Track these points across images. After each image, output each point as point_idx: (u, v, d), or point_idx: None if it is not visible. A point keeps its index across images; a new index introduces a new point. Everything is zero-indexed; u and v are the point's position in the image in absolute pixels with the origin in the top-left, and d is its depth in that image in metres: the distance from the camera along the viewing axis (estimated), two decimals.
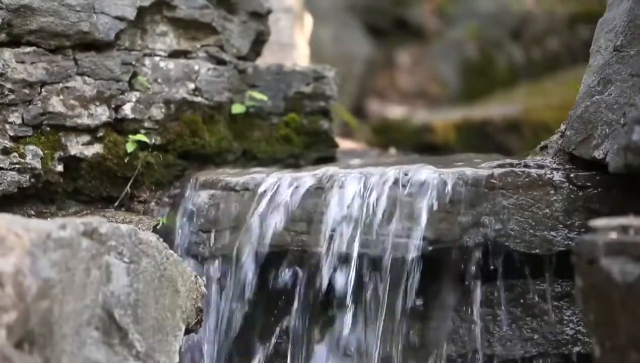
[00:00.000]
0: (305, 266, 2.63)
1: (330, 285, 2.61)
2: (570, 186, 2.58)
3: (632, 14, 2.58)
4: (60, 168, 2.83)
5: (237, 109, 3.10)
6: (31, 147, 2.76)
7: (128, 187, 2.91)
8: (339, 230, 2.60)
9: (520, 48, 7.05)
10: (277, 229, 2.64)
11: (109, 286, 2.10)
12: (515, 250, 2.56)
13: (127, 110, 2.91)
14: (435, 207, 2.57)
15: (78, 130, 2.85)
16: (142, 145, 2.92)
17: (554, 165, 2.64)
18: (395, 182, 2.61)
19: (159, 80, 2.97)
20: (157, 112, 2.96)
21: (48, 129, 2.81)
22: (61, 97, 2.81)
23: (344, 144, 3.76)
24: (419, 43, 7.32)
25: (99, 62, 2.86)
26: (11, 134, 2.75)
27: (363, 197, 2.61)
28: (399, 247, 2.56)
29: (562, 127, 2.74)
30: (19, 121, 2.77)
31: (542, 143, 2.80)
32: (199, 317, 2.31)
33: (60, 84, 2.81)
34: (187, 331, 2.28)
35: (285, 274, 2.66)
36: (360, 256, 2.58)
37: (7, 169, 2.71)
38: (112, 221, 2.45)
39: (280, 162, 3.14)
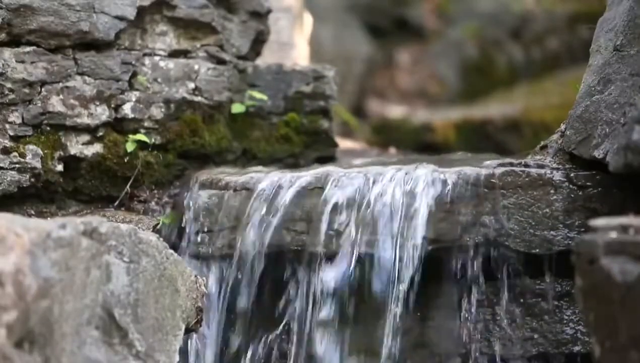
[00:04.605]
0: (305, 265, 2.63)
1: (330, 284, 2.60)
2: (570, 186, 2.58)
3: (632, 14, 2.58)
4: (60, 167, 2.83)
5: (237, 108, 3.11)
6: (31, 146, 2.76)
7: (128, 187, 2.91)
8: (339, 229, 2.60)
9: (520, 48, 7.05)
10: (277, 229, 2.64)
11: (109, 285, 2.10)
12: (515, 250, 2.56)
13: (127, 109, 2.91)
14: (435, 207, 2.57)
15: (78, 129, 2.85)
16: (142, 145, 2.92)
17: (554, 165, 2.64)
18: (395, 181, 2.61)
19: (159, 79, 2.97)
20: (157, 112, 2.96)
21: (48, 128, 2.81)
22: (61, 96, 2.81)
23: (344, 144, 3.76)
24: (419, 43, 7.32)
25: (99, 62, 2.87)
26: (11, 134, 2.75)
27: (363, 196, 2.61)
28: (398, 246, 2.56)
29: (562, 126, 2.74)
30: (19, 121, 2.77)
31: (542, 143, 2.80)
32: (199, 317, 2.31)
33: (60, 84, 2.81)
34: (187, 330, 2.28)
35: (285, 273, 2.66)
36: (359, 255, 2.58)
37: (7, 169, 2.71)
38: (112, 221, 2.45)
39: (280, 162, 3.14)
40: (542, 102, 5.58)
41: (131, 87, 2.93)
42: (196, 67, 3.03)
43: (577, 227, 2.55)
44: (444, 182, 2.59)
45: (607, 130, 2.53)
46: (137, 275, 2.15)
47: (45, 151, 2.78)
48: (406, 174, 2.62)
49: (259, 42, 3.23)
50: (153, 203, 2.94)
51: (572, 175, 2.59)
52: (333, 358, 2.63)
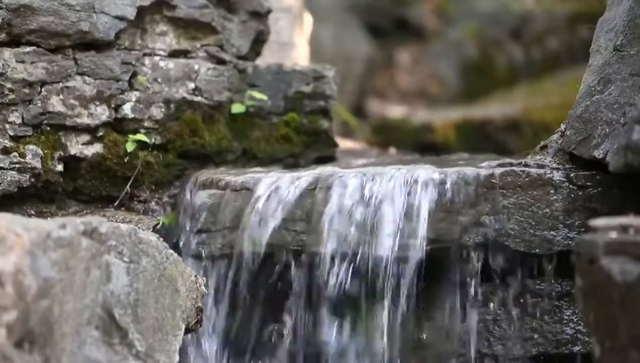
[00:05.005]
0: (304, 265, 2.63)
1: (330, 284, 2.60)
2: (570, 186, 2.58)
3: (632, 14, 2.58)
4: (60, 167, 2.83)
5: (237, 108, 3.11)
6: (31, 146, 2.76)
7: (128, 187, 2.91)
8: (339, 229, 2.60)
9: (520, 48, 7.05)
10: (277, 228, 2.64)
11: (109, 285, 2.10)
12: (515, 250, 2.56)
13: (127, 109, 2.91)
14: (435, 207, 2.57)
15: (78, 129, 2.85)
16: (142, 145, 2.92)
17: (554, 165, 2.64)
18: (395, 181, 2.61)
19: (159, 79, 2.97)
20: (157, 112, 2.96)
21: (48, 128, 2.81)
22: (61, 96, 2.81)
23: (344, 144, 3.76)
24: (419, 43, 7.32)
25: (99, 62, 2.87)
26: (11, 134, 2.75)
27: (362, 196, 2.61)
28: (398, 246, 2.56)
29: (562, 126, 2.74)
30: (19, 121, 2.77)
31: (542, 143, 2.80)
32: (198, 317, 2.31)
33: (60, 84, 2.81)
34: (187, 330, 2.28)
35: (285, 273, 2.66)
36: (359, 255, 2.58)
37: (7, 169, 2.71)
38: (112, 221, 2.45)
39: (280, 162, 3.14)
40: (542, 102, 5.58)
41: (131, 87, 2.93)
42: (196, 67, 3.03)
43: (577, 227, 2.55)
44: (444, 182, 2.59)
45: (607, 130, 2.53)
46: (137, 275, 2.15)
47: (45, 151, 2.78)
48: (406, 174, 2.62)
49: (259, 42, 3.23)
50: (153, 203, 2.94)
51: (572, 175, 2.59)
52: (332, 358, 2.63)
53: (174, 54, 3.02)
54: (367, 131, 5.84)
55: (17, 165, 2.73)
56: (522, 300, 2.59)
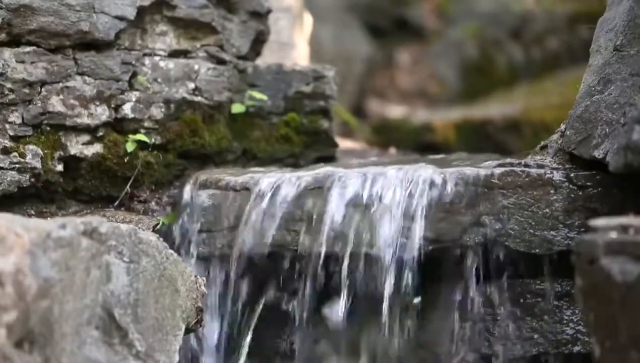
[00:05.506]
0: (304, 266, 2.63)
1: (330, 284, 2.61)
2: (570, 186, 2.58)
3: (632, 14, 2.58)
4: (60, 167, 2.83)
5: (237, 108, 3.11)
6: (31, 146, 2.76)
7: (128, 187, 2.91)
8: (339, 229, 2.60)
9: (520, 48, 7.05)
10: (277, 229, 2.64)
11: (109, 285, 2.10)
12: (515, 250, 2.56)
13: (127, 109, 2.91)
14: (435, 207, 2.57)
15: (78, 129, 2.85)
16: (142, 145, 2.92)
17: (554, 165, 2.64)
18: (395, 181, 2.61)
19: (159, 79, 2.97)
20: (157, 112, 2.96)
21: (48, 128, 2.81)
22: (61, 96, 2.81)
23: (344, 144, 3.76)
24: (419, 43, 7.32)
25: (99, 62, 2.87)
26: (11, 134, 2.75)
27: (363, 196, 2.61)
28: (398, 246, 2.56)
29: (562, 126, 2.74)
30: (19, 121, 2.77)
31: (542, 143, 2.80)
32: (199, 317, 2.31)
33: (60, 84, 2.81)
34: (187, 331, 2.28)
35: (285, 273, 2.66)
36: (359, 255, 2.58)
37: (7, 169, 2.71)
38: (112, 221, 2.45)
39: (280, 162, 3.14)
40: (542, 102, 5.58)
41: (131, 87, 2.93)
42: (196, 67, 3.03)
43: (577, 227, 2.55)
44: (444, 182, 2.59)
45: (607, 130, 2.53)
46: (137, 275, 2.15)
47: (45, 151, 2.78)
48: (406, 174, 2.62)
49: (259, 42, 3.23)
50: (153, 203, 2.94)
51: (572, 175, 2.59)
52: (332, 358, 2.63)
53: (174, 54, 3.02)
54: (367, 131, 5.84)
55: (17, 165, 2.73)
56: (522, 300, 2.59)
